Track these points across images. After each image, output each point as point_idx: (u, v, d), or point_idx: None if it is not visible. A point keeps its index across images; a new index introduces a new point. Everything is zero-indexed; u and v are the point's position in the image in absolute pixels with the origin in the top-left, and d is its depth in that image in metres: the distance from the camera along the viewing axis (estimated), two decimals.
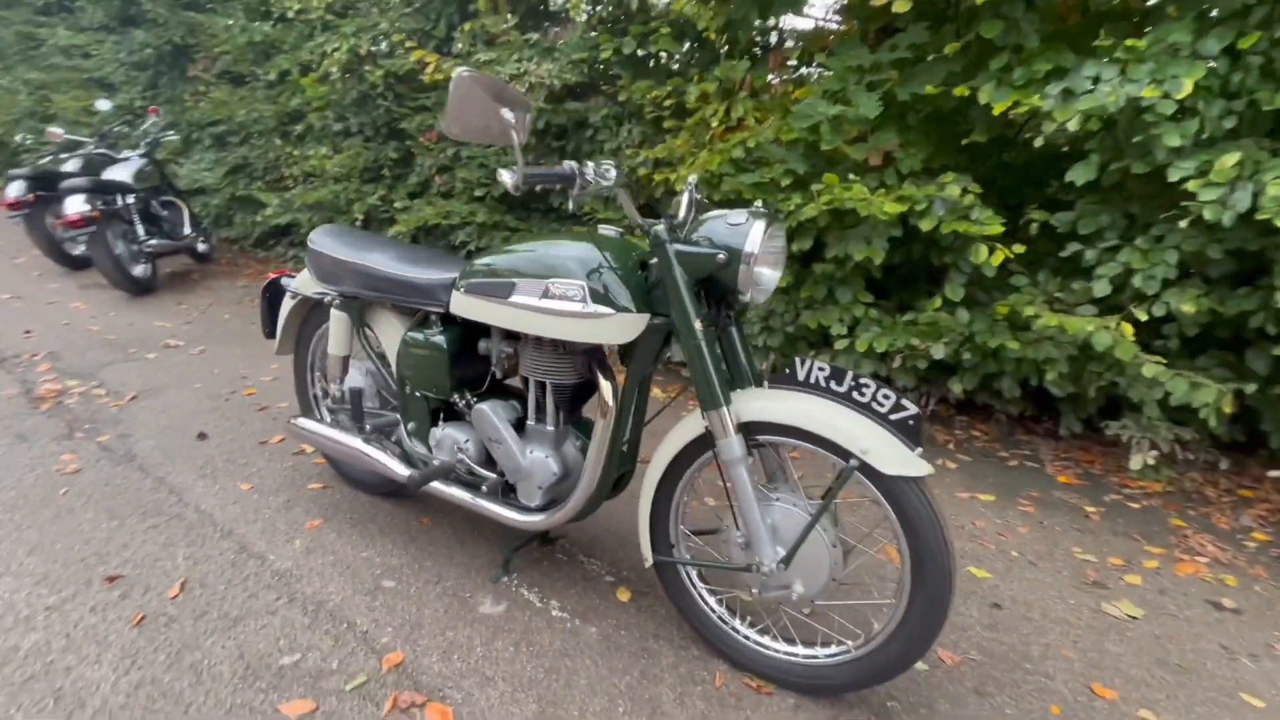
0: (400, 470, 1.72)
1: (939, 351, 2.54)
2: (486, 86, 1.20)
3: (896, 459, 1.18)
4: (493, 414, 1.60)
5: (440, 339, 1.64)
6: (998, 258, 2.29)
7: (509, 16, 3.28)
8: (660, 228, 1.31)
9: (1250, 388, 2.15)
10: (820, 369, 1.27)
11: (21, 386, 2.81)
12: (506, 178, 1.21)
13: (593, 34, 3.06)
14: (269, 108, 4.48)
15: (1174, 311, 2.18)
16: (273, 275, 2.15)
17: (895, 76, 2.47)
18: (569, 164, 1.28)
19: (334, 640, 1.50)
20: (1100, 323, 2.16)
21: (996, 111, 2.19)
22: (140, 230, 4.25)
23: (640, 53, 3.10)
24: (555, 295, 1.38)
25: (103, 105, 4.95)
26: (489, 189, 3.64)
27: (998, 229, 2.33)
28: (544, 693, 1.39)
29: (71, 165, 4.58)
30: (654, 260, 1.36)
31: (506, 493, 1.66)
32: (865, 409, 1.23)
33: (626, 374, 1.47)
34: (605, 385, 1.44)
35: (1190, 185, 1.92)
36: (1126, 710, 1.45)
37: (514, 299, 1.44)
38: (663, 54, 3.12)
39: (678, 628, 1.59)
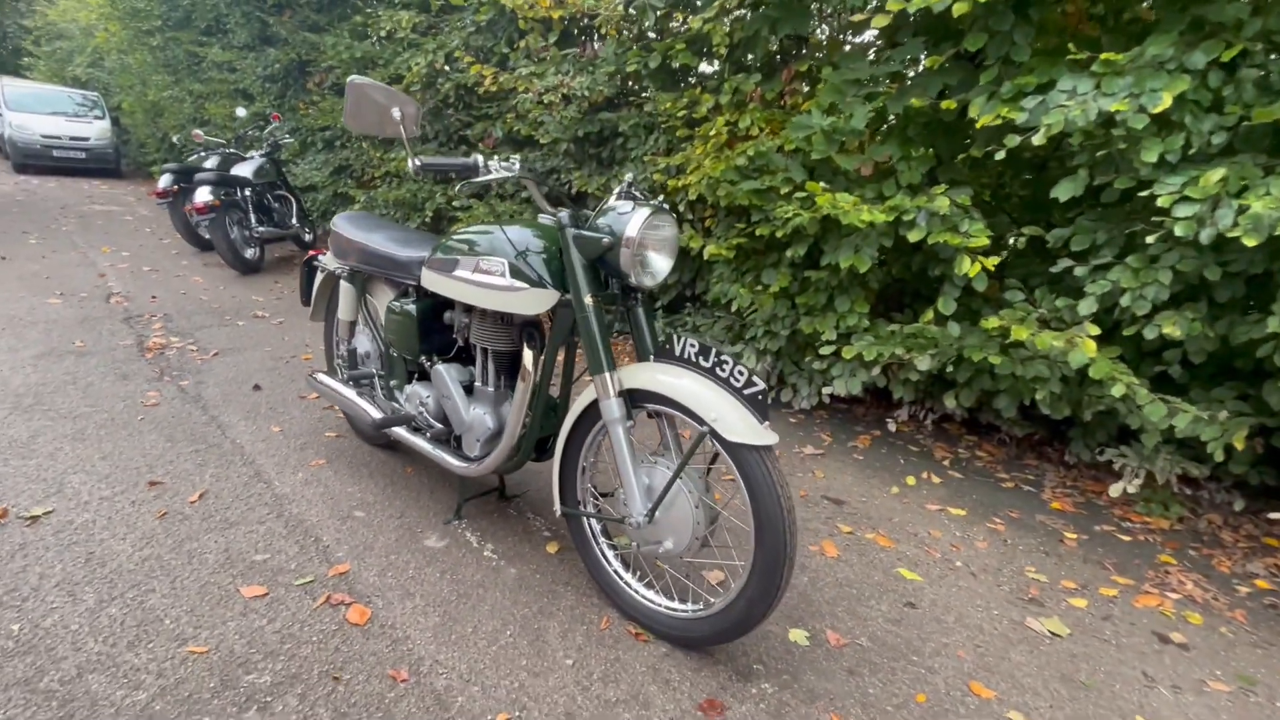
0: (372, 413, 2.02)
1: (924, 363, 2.54)
2: (376, 90, 1.47)
3: (743, 428, 1.30)
4: (446, 375, 1.86)
5: (412, 308, 1.92)
6: (974, 269, 2.29)
7: (549, 36, 3.60)
8: (564, 214, 1.51)
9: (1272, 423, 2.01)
10: (691, 345, 1.41)
11: (137, 338, 3.42)
12: (409, 164, 1.47)
13: (624, 50, 3.30)
14: None
15: (1165, 336, 2.08)
16: (311, 253, 2.55)
17: (892, 89, 2.52)
18: (474, 156, 1.51)
19: (299, 548, 1.80)
20: (1068, 336, 2.10)
21: (980, 124, 2.20)
22: (253, 218, 4.97)
23: (673, 65, 3.31)
24: (482, 270, 1.62)
25: (240, 112, 5.81)
26: None
27: (984, 241, 2.32)
28: (450, 610, 1.61)
29: (210, 163, 5.40)
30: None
31: (455, 444, 1.91)
32: (724, 383, 1.36)
33: (546, 343, 1.68)
34: (528, 353, 1.65)
35: (1161, 201, 1.86)
36: (997, 710, 1.46)
37: (456, 273, 1.69)
38: (689, 68, 3.31)
39: (588, 580, 1.76)
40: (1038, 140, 1.99)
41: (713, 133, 2.81)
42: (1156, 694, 1.56)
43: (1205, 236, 1.82)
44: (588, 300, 1.47)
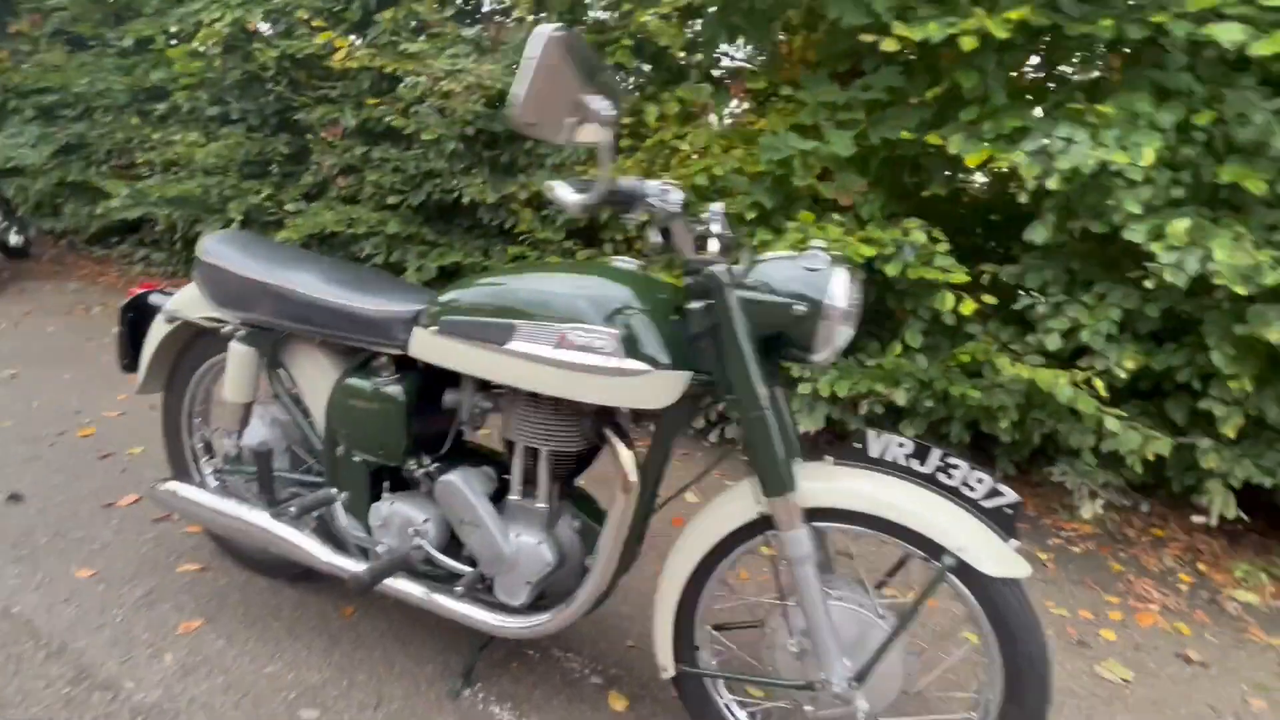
0: (337, 562, 1.32)
1: (901, 398, 2.49)
2: (581, 57, 0.90)
3: (997, 557, 1.01)
4: (465, 487, 1.26)
5: (396, 389, 1.28)
6: (968, 306, 2.28)
7: (438, 4, 2.92)
8: (719, 268, 1.07)
9: (1205, 442, 2.26)
10: (900, 444, 1.08)
11: None
12: (567, 195, 0.92)
13: None
14: (120, 79, 3.72)
15: (1114, 366, 2.27)
16: (138, 290, 1.65)
17: (865, 118, 2.42)
18: (634, 180, 1.01)
19: None
20: (1070, 376, 2.19)
21: (971, 164, 2.19)
22: None
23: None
24: (574, 345, 1.09)
25: None
26: (405, 196, 3.21)
27: (963, 277, 2.33)
28: None
29: None
30: (693, 305, 1.11)
31: (480, 588, 1.31)
32: (954, 494, 1.05)
33: (652, 442, 1.20)
34: (625, 455, 1.16)
35: (1155, 248, 1.99)
36: None
37: (513, 345, 1.13)
38: (623, 68, 2.90)
39: None
40: (1054, 185, 2.01)
41: (686, 146, 2.46)
42: None
43: (1182, 281, 1.98)
44: (762, 391, 1.05)
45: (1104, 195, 2.10)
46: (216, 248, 1.46)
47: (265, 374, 1.47)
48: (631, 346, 1.08)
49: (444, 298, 1.23)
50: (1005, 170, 2.17)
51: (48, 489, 1.91)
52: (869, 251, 2.28)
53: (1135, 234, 2.06)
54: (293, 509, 1.34)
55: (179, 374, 1.65)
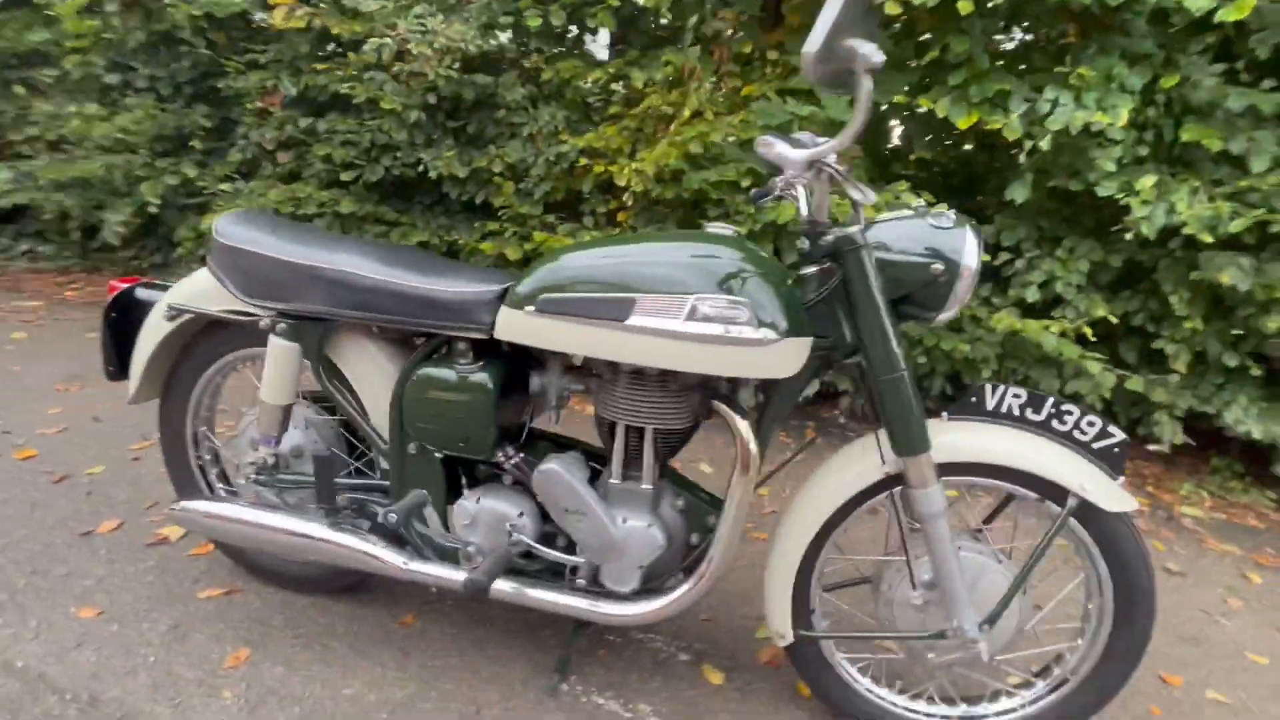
0: (426, 569, 1.21)
1: None
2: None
3: (1112, 494, 1.07)
4: (569, 475, 1.19)
5: (482, 376, 1.18)
6: None
7: None
8: (854, 229, 1.04)
9: (1171, 378, 2.49)
10: (1015, 395, 1.12)
11: None
12: (788, 151, 0.89)
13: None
14: None
15: (1083, 315, 2.47)
16: (121, 283, 1.42)
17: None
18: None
19: None
20: (1058, 325, 2.36)
21: (962, 126, 2.28)
22: None
23: (561, 27, 2.73)
24: (705, 317, 1.04)
25: None
26: (360, 171, 2.96)
27: None
28: None
29: None
30: (809, 270, 1.10)
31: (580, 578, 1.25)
32: (1068, 438, 1.10)
33: (761, 414, 1.18)
34: (744, 427, 1.13)
35: (1132, 202, 2.16)
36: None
37: (634, 320, 1.06)
38: (588, 34, 2.78)
39: (796, 704, 1.34)
40: (1044, 144, 2.13)
41: (687, 112, 2.39)
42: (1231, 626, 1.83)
43: (1153, 231, 2.17)
44: (899, 352, 1.05)
45: (1078, 155, 2.25)
46: (239, 230, 1.28)
47: (318, 371, 1.31)
48: (761, 315, 1.04)
49: (535, 276, 1.14)
50: (991, 131, 2.26)
51: (2, 524, 1.63)
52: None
53: (1108, 190, 2.23)
54: (392, 515, 1.22)
55: (180, 378, 1.45)
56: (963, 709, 1.25)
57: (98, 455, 1.99)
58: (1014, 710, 1.22)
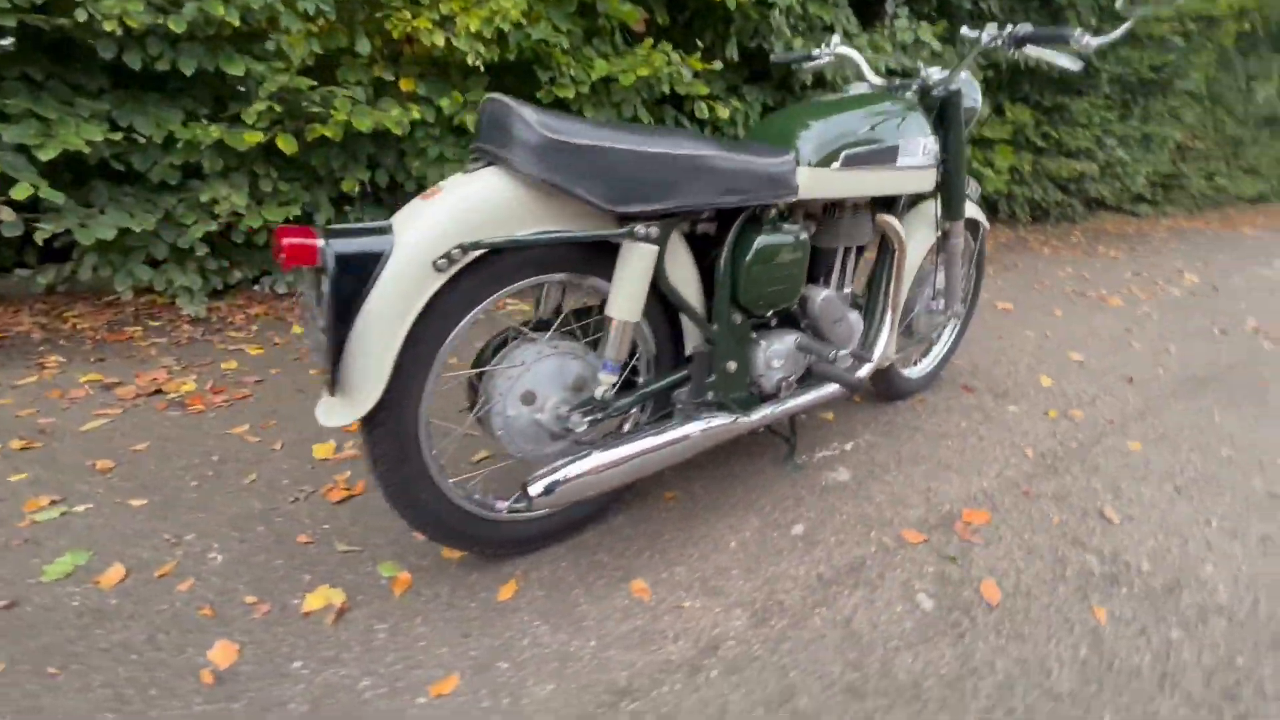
0: (829, 390, 1.53)
1: None
2: None
3: (982, 213, 2.11)
4: (837, 297, 1.55)
5: (802, 231, 1.37)
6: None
7: None
8: (955, 86, 1.64)
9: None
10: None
11: None
12: (1091, 40, 1.33)
13: None
14: None
15: None
16: (294, 243, 0.93)
17: None
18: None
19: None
20: None
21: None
22: None
23: None
24: (926, 152, 1.52)
25: None
26: None
27: (703, 90, 3.12)
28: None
29: None
30: (911, 113, 1.67)
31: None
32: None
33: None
34: (901, 228, 1.69)
35: None
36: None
37: (902, 161, 1.45)
38: None
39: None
40: None
41: None
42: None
43: None
44: (968, 152, 1.75)
45: None
46: (566, 125, 1.00)
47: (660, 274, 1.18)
48: (931, 147, 1.59)
49: (813, 142, 1.35)
50: None
51: None
52: (646, 71, 2.78)
53: None
54: (828, 363, 1.42)
55: (418, 356, 1.05)
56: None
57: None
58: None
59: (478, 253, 1.04)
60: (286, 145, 2.33)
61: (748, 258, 1.32)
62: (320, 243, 0.93)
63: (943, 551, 1.47)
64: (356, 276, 0.96)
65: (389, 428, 1.08)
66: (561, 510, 1.35)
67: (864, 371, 1.69)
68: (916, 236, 1.79)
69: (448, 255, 1.00)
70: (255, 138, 2.25)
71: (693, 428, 1.31)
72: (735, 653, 1.18)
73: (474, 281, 1.08)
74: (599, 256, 1.20)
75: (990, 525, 1.57)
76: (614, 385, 1.24)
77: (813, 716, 1.06)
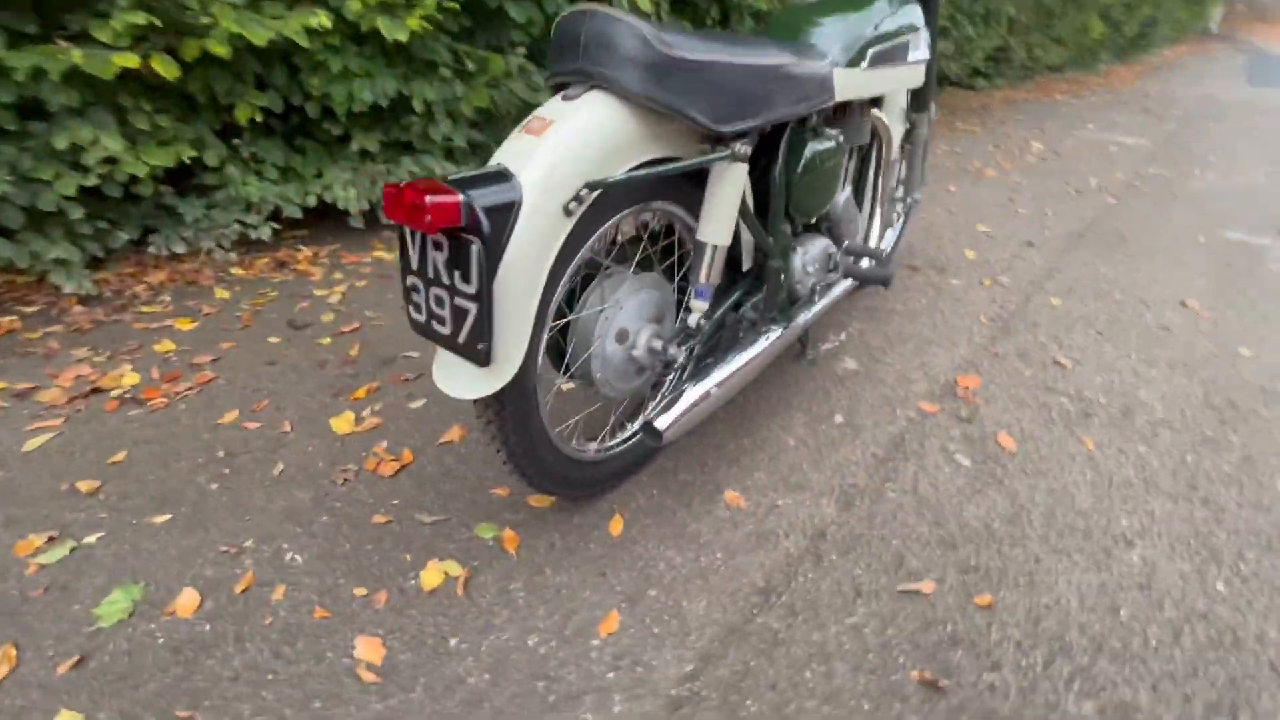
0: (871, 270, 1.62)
1: None
2: None
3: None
4: (853, 198, 1.61)
5: (840, 135, 1.40)
6: None
7: None
8: None
9: None
10: None
11: None
12: None
13: None
14: None
15: None
16: (446, 194, 0.84)
17: None
18: None
19: None
20: None
21: None
22: None
23: None
24: (926, 45, 1.57)
25: None
26: None
27: None
28: None
29: None
30: (909, 5, 1.70)
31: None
32: None
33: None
34: (883, 117, 1.77)
35: None
36: None
37: (912, 56, 1.50)
38: None
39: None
40: None
41: None
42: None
43: None
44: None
45: None
46: (679, 39, 0.93)
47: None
48: (927, 41, 1.64)
49: (840, 41, 1.36)
50: None
51: None
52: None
53: None
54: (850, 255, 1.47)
55: (542, 307, 0.99)
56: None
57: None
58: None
59: (598, 191, 0.96)
60: (165, 68, 1.88)
61: (799, 167, 1.33)
62: (461, 197, 0.81)
63: (958, 416, 1.69)
64: (499, 231, 0.86)
65: (517, 390, 1.02)
66: (635, 442, 1.37)
67: (890, 264, 1.82)
68: (894, 130, 1.88)
69: (577, 196, 0.92)
70: (127, 61, 1.79)
71: (763, 342, 1.37)
72: (841, 535, 1.32)
73: (584, 219, 1.00)
74: (680, 180, 1.16)
75: (982, 386, 1.82)
76: (705, 312, 1.24)
77: (925, 572, 1.24)
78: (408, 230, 0.91)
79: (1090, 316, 2.24)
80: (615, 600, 1.16)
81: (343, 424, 1.57)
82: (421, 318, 0.95)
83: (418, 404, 1.66)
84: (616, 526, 1.32)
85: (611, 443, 1.32)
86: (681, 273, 1.33)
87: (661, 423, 1.14)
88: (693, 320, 1.24)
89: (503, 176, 0.90)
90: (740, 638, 1.10)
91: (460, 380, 0.95)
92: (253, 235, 2.35)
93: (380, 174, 2.54)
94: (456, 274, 0.87)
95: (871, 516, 1.37)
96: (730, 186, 1.14)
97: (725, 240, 1.18)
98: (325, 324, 2.01)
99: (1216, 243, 2.96)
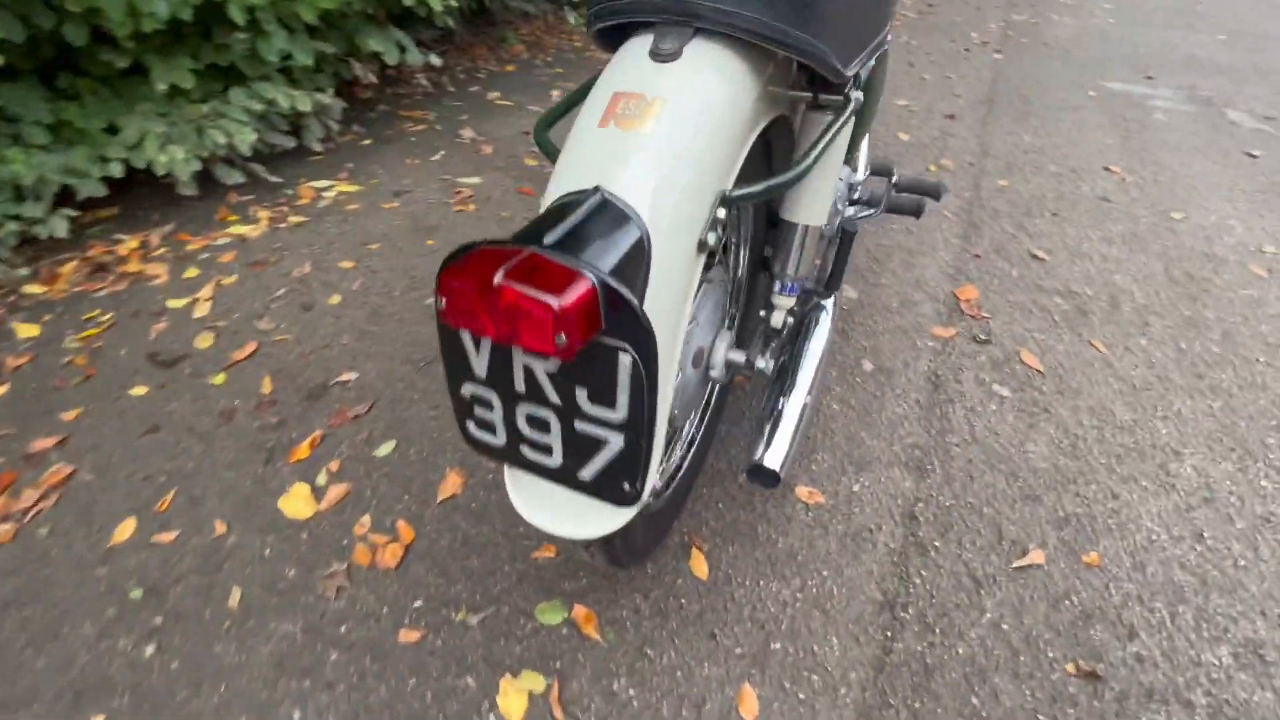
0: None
1: None
2: None
3: None
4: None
5: None
6: None
7: None
8: None
9: None
10: None
11: None
12: None
13: None
14: None
15: None
16: (552, 282, 0.50)
17: None
18: None
19: None
20: None
21: None
22: None
23: None
24: None
25: None
26: None
27: None
28: None
29: None
30: None
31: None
32: None
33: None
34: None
35: None
36: None
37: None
38: None
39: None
40: None
41: None
42: None
43: None
44: None
45: None
46: None
47: None
48: None
49: None
50: None
51: None
52: None
53: None
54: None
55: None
56: None
57: None
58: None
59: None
60: None
61: (875, 98, 1.06)
62: (590, 277, 0.45)
63: (975, 338, 1.62)
64: (629, 304, 0.52)
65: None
66: (687, 469, 1.14)
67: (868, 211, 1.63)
68: None
69: (713, 222, 0.61)
70: None
71: (826, 318, 1.15)
72: (931, 513, 1.22)
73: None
74: None
75: (982, 296, 1.76)
76: (791, 308, 0.99)
77: (1027, 539, 1.18)
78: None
79: (1039, 196, 2.22)
80: (741, 668, 0.99)
81: (297, 504, 1.18)
82: (498, 441, 0.62)
83: (384, 449, 1.28)
84: (700, 565, 1.12)
85: (663, 480, 1.08)
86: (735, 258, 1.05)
87: (773, 461, 0.92)
88: (777, 320, 0.99)
89: (610, 210, 0.55)
90: (890, 676, 0.98)
91: (568, 514, 0.66)
92: (40, 234, 1.66)
93: (209, 118, 1.85)
94: (581, 392, 0.55)
95: (949, 481, 1.27)
96: (838, 149, 0.86)
97: (822, 219, 0.91)
98: (205, 352, 1.48)
99: (1104, 95, 3.05)
